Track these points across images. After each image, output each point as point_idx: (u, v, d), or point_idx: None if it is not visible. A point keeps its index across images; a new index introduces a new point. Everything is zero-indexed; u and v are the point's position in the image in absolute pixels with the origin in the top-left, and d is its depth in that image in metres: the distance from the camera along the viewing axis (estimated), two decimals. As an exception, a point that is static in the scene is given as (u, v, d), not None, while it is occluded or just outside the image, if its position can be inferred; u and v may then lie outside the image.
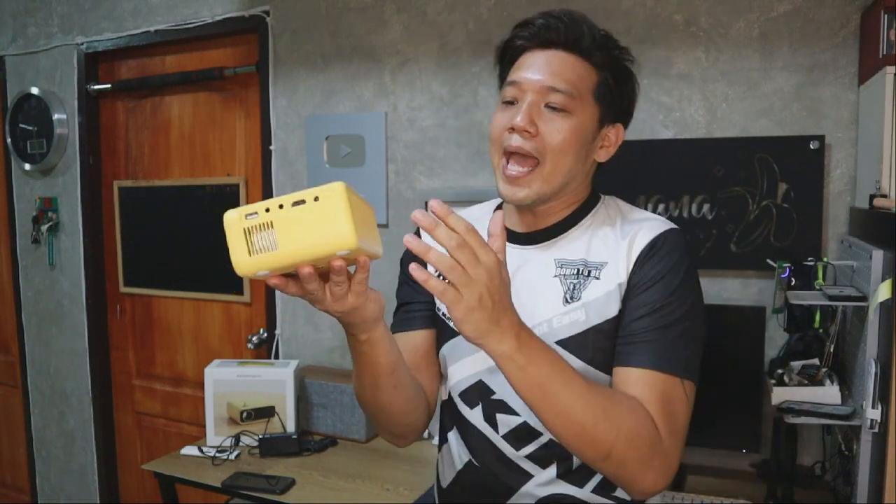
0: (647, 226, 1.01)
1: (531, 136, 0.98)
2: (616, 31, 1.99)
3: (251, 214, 0.69)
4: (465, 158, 2.18)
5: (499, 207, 1.15)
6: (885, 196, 1.41)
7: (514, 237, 1.07)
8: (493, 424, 1.05)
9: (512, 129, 0.99)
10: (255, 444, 2.12)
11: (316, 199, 0.69)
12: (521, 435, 1.03)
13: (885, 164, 1.42)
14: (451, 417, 1.12)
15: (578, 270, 1.02)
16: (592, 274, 1.01)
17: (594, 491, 1.01)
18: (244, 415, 2.18)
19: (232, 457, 2.07)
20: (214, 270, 2.72)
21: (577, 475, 1.01)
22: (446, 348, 1.09)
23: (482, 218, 1.12)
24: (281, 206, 0.69)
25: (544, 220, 1.06)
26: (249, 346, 2.60)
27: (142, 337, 2.97)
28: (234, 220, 0.70)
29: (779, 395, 1.52)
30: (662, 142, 1.91)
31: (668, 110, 1.91)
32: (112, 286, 3.00)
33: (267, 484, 1.87)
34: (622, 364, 0.95)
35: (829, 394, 1.49)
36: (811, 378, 1.54)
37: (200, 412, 2.44)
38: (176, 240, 2.81)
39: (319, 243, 0.69)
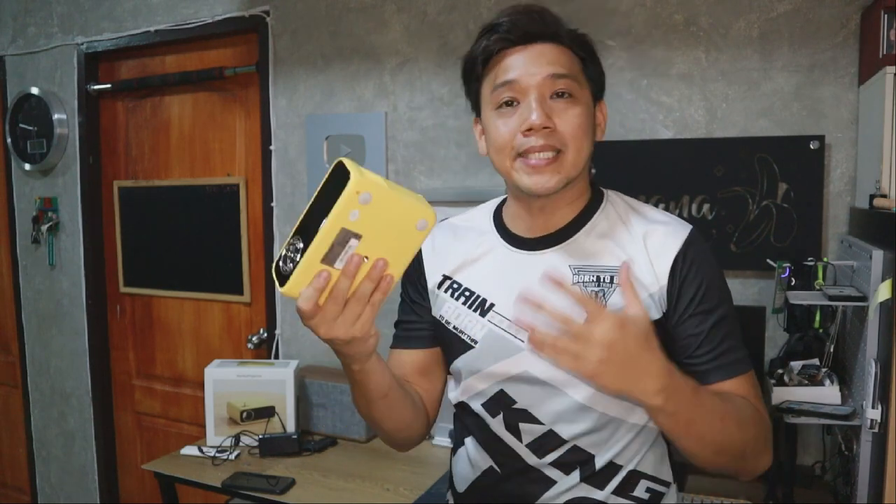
0: (665, 231, 1.00)
1: (551, 132, 0.96)
2: (616, 31, 2.01)
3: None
4: (465, 158, 2.18)
5: (499, 208, 1.12)
6: (885, 196, 1.41)
7: (523, 243, 1.06)
8: (517, 433, 1.03)
9: (529, 131, 0.96)
10: (255, 444, 2.12)
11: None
12: (546, 443, 1.02)
13: (885, 164, 1.42)
14: (468, 424, 1.10)
15: (599, 278, 1.00)
16: (615, 281, 0.99)
17: (614, 492, 1.01)
18: (244, 415, 2.18)
19: (232, 457, 2.07)
20: (214, 270, 2.72)
21: (598, 478, 1.01)
22: (461, 362, 1.07)
23: (483, 227, 1.11)
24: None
25: (552, 220, 1.04)
26: (249, 346, 2.60)
27: (142, 337, 2.97)
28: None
29: (779, 395, 1.52)
30: (662, 142, 1.91)
31: (668, 110, 1.91)
32: (112, 286, 3.00)
33: (267, 484, 1.87)
34: (705, 383, 0.97)
35: (829, 394, 1.49)
36: (811, 378, 1.54)
37: (200, 412, 2.44)
38: (176, 240, 2.81)
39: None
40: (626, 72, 1.94)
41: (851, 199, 1.75)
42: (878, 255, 1.29)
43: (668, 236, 0.99)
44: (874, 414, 1.25)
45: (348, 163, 0.73)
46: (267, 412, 2.18)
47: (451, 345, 1.08)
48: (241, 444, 2.14)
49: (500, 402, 1.04)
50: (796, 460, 1.74)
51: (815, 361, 1.60)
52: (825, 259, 1.65)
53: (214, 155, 2.71)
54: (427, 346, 1.12)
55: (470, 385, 1.06)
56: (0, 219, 3.26)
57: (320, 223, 0.71)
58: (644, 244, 0.99)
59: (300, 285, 0.74)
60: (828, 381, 1.52)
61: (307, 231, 0.73)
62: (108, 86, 2.86)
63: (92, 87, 2.87)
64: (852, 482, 1.42)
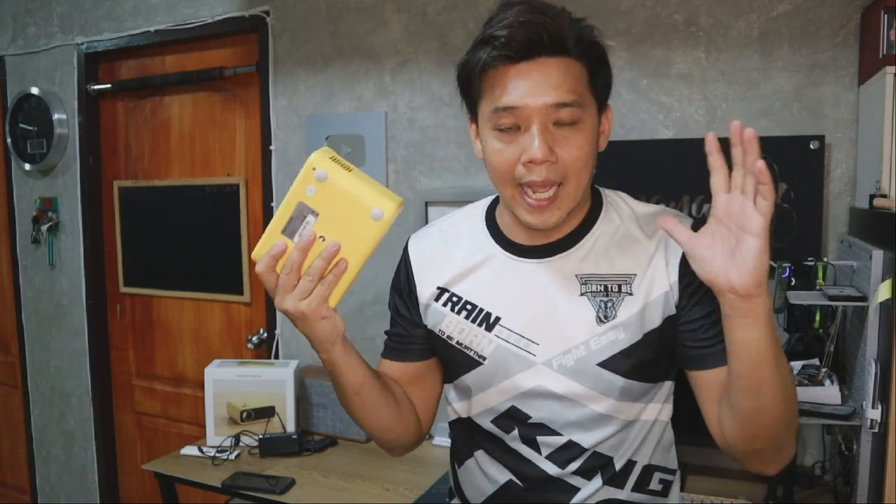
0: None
1: (552, 165, 0.90)
2: (616, 32, 2.01)
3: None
4: (465, 158, 2.18)
5: (491, 211, 1.07)
6: (885, 196, 1.41)
7: (523, 251, 1.01)
8: (535, 446, 1.01)
9: (530, 163, 0.89)
10: (255, 444, 2.12)
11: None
12: (567, 453, 1.00)
13: (885, 164, 1.42)
14: (477, 438, 1.07)
15: (607, 287, 0.96)
16: (623, 289, 0.96)
17: (633, 489, 1.01)
18: (244, 415, 2.18)
19: (232, 457, 2.07)
20: (214, 270, 2.72)
21: (619, 478, 1.01)
22: (470, 379, 1.03)
23: (476, 232, 1.06)
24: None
25: (556, 230, 0.99)
26: (249, 346, 2.60)
27: (142, 337, 2.97)
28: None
29: (779, 395, 1.52)
30: (662, 142, 1.91)
31: (668, 110, 1.91)
32: (112, 286, 3.00)
33: (267, 484, 1.87)
34: (709, 367, 0.93)
35: (829, 394, 1.49)
36: (811, 378, 1.54)
37: (200, 412, 2.44)
38: (176, 240, 2.81)
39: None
40: (626, 72, 1.94)
41: (851, 199, 1.75)
42: (878, 255, 1.29)
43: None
44: (874, 414, 1.25)
45: (321, 149, 0.81)
46: (267, 412, 2.18)
47: (456, 361, 1.04)
48: (241, 444, 2.14)
49: (513, 417, 1.01)
50: (796, 460, 1.74)
51: (815, 361, 1.60)
52: (825, 259, 1.65)
53: (214, 155, 2.71)
54: (418, 359, 1.08)
55: (480, 401, 1.03)
56: (0, 219, 3.26)
57: None
58: (665, 244, 0.97)
59: (262, 252, 0.82)
60: (828, 381, 1.52)
61: None
62: (108, 86, 2.86)
63: (92, 87, 2.87)
64: (852, 482, 1.42)
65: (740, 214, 0.77)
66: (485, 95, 0.93)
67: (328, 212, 0.79)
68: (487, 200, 1.09)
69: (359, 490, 1.87)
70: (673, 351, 0.98)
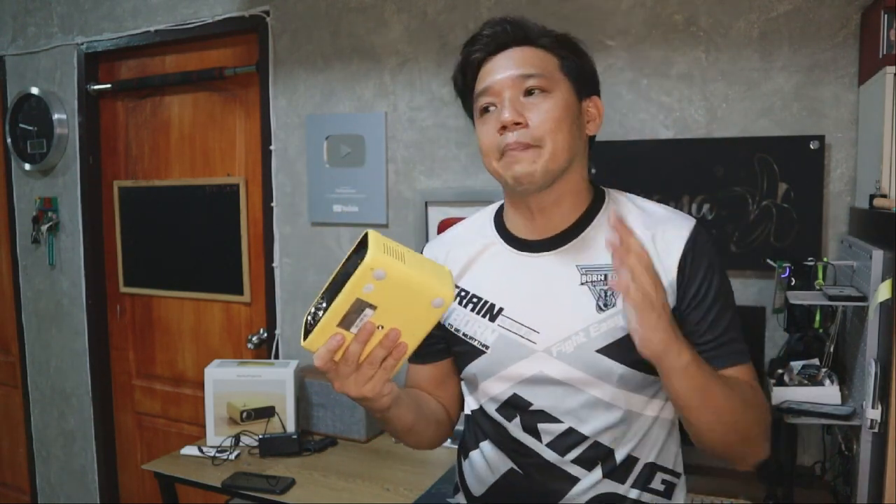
0: (672, 226, 1.02)
1: (524, 127, 0.99)
2: (616, 31, 2.01)
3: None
4: (465, 158, 2.18)
5: (499, 213, 1.14)
6: (885, 196, 1.41)
7: (526, 246, 1.07)
8: (535, 434, 1.05)
9: (503, 129, 0.99)
10: (255, 444, 2.12)
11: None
12: (566, 441, 1.03)
13: (885, 164, 1.42)
14: (484, 429, 1.12)
15: (608, 276, 1.01)
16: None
17: (633, 486, 1.04)
18: (244, 415, 2.18)
19: (232, 457, 2.07)
20: (214, 270, 2.72)
21: (620, 472, 1.03)
22: (474, 367, 1.08)
23: (482, 229, 1.13)
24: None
25: (553, 222, 1.05)
26: (249, 346, 2.60)
27: (142, 337, 2.97)
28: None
29: (779, 395, 1.52)
30: (662, 142, 1.91)
31: (668, 110, 1.91)
32: (112, 286, 3.00)
33: (267, 484, 1.87)
34: None
35: (829, 394, 1.49)
36: (811, 378, 1.54)
37: (200, 412, 2.44)
38: (176, 240, 2.81)
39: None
40: (626, 72, 1.94)
41: (851, 199, 1.75)
42: (878, 255, 1.29)
43: (674, 232, 1.01)
44: (874, 414, 1.25)
45: (371, 237, 0.79)
46: (267, 412, 2.18)
47: (462, 352, 1.09)
48: (241, 444, 2.14)
49: (515, 405, 1.05)
50: (796, 460, 1.74)
51: (815, 361, 1.60)
52: (825, 259, 1.65)
53: (214, 155, 2.71)
54: (442, 358, 1.14)
55: (484, 389, 1.08)
56: (0, 219, 3.26)
57: (342, 289, 0.78)
58: (654, 244, 1.00)
59: (317, 344, 0.81)
60: (828, 381, 1.52)
61: (332, 293, 0.80)
62: (108, 86, 2.86)
63: (92, 87, 2.87)
64: (852, 482, 1.42)
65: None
66: (474, 92, 1.06)
67: (386, 304, 0.79)
68: (497, 203, 1.15)
69: (359, 490, 1.87)
70: None
